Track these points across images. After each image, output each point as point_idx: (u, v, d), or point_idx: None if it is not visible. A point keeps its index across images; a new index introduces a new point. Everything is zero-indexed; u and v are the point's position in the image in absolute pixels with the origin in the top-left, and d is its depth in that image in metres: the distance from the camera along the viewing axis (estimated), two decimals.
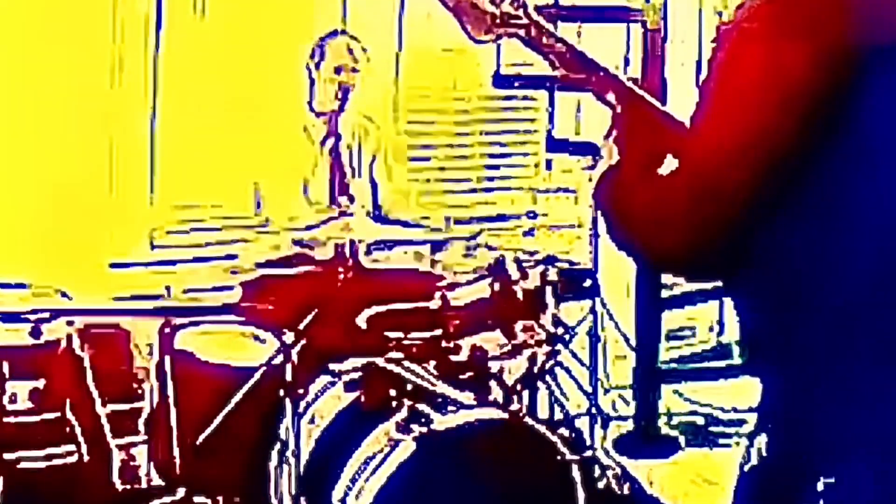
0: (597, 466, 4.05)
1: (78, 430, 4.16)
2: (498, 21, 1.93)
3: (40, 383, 4.14)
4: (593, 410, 5.84)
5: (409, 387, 4.06)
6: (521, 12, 1.93)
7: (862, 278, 1.75)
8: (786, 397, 1.83)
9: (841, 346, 1.77)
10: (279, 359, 4.11)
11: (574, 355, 5.79)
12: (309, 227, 4.55)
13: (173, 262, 5.74)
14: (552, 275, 4.47)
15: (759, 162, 1.74)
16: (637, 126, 1.90)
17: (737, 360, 6.42)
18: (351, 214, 5.09)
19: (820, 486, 1.77)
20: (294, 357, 4.06)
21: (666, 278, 6.18)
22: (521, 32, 1.94)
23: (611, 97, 1.92)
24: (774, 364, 1.84)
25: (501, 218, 6.80)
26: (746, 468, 1.88)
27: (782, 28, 1.72)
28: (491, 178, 6.99)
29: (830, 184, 1.75)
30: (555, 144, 6.15)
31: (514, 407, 4.03)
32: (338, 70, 5.13)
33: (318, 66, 5.13)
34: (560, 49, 1.92)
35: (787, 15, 1.72)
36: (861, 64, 1.71)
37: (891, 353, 1.75)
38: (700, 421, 6.23)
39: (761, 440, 1.86)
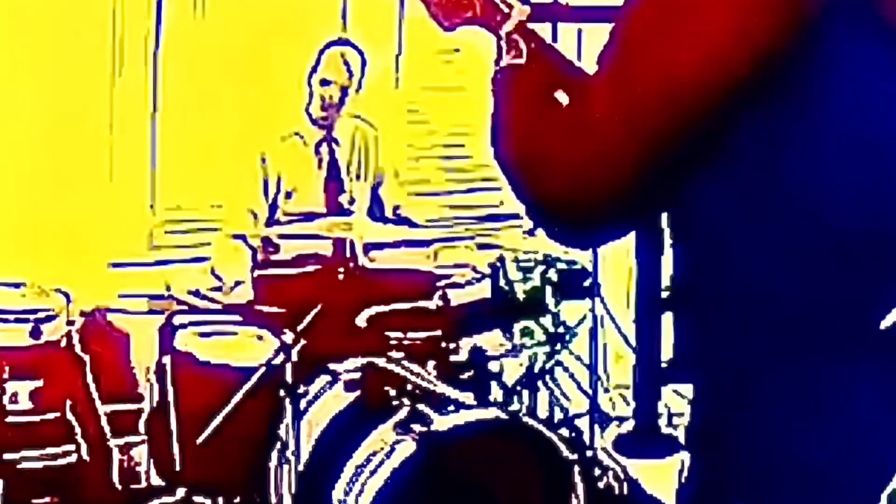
0: (597, 466, 4.05)
1: (78, 430, 4.16)
2: (462, 7, 1.93)
3: (40, 383, 4.14)
4: (593, 410, 5.84)
5: (409, 387, 4.06)
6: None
7: (792, 273, 1.67)
8: (708, 412, 1.77)
9: (766, 359, 1.70)
10: (279, 359, 4.11)
11: (574, 355, 5.79)
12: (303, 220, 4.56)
13: (173, 262, 5.74)
14: (552, 275, 4.47)
15: (681, 102, 1.66)
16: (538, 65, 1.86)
17: None
18: (351, 213, 5.10)
19: None
20: (294, 357, 4.07)
21: (666, 279, 6.18)
22: (485, 20, 1.93)
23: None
24: (697, 373, 1.78)
25: (501, 218, 6.80)
26: (676, 487, 1.83)
27: None
28: (491, 178, 6.99)
29: (765, 149, 1.66)
30: None
31: (514, 407, 4.03)
32: (324, 83, 5.11)
33: (311, 74, 5.13)
34: (516, 37, 1.90)
35: None
36: (819, 24, 1.64)
37: (820, 366, 1.68)
38: None
39: (686, 457, 1.81)
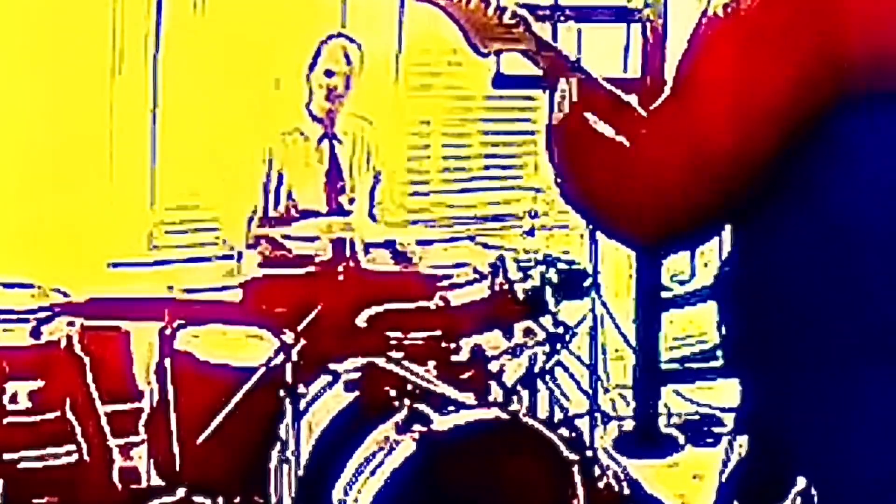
0: (597, 466, 4.05)
1: (78, 430, 4.16)
2: (500, 34, 1.94)
3: (40, 383, 4.14)
4: (593, 410, 5.85)
5: (409, 387, 4.06)
6: (521, 26, 1.93)
7: (838, 283, 1.74)
8: (762, 399, 1.83)
9: (815, 350, 1.77)
10: (279, 359, 4.11)
11: (574, 355, 5.79)
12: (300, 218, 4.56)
13: (173, 262, 5.74)
14: (552, 275, 4.47)
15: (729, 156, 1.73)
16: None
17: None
18: (350, 213, 5.10)
19: (796, 488, 1.78)
20: (294, 357, 4.07)
21: (666, 278, 6.19)
22: (522, 46, 1.95)
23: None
24: (751, 366, 1.84)
25: (501, 218, 6.81)
26: (727, 470, 1.88)
27: (763, 31, 1.71)
28: (491, 178, 6.99)
29: (808, 186, 1.74)
30: (503, 81, 5.97)
31: (514, 407, 4.03)
32: (328, 73, 5.12)
33: (311, 68, 5.13)
34: (557, 61, 1.92)
35: (770, 20, 1.71)
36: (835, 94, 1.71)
37: (865, 357, 1.75)
38: (700, 421, 6.23)
39: (741, 441, 1.87)
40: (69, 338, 4.18)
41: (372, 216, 5.26)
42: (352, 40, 5.23)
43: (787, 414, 1.80)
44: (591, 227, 1.92)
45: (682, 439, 6.03)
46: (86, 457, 4.16)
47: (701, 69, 1.76)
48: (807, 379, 1.78)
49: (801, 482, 1.78)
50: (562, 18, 5.76)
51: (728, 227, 1.86)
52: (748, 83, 1.71)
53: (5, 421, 4.09)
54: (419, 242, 4.85)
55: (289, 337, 4.11)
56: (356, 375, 4.22)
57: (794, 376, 1.79)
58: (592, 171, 1.81)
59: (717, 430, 6.09)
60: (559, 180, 1.88)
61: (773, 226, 1.78)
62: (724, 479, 1.90)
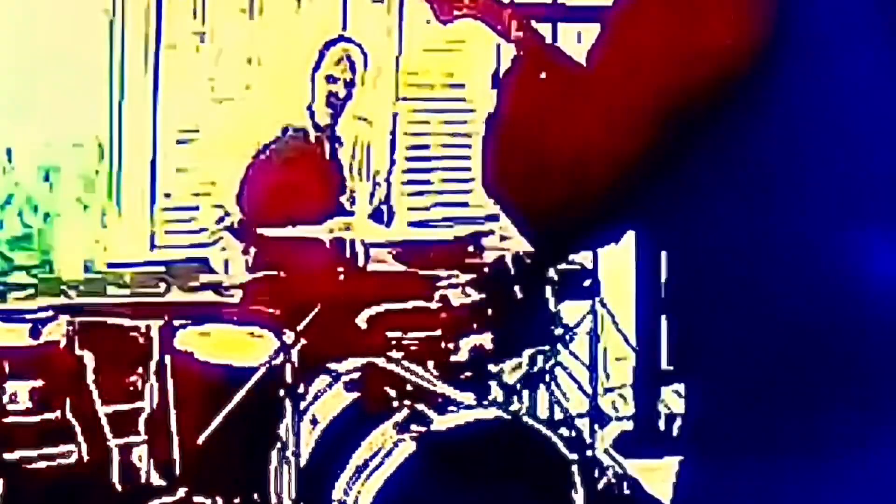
0: (597, 466, 4.05)
1: (78, 430, 4.16)
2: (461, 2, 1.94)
3: (40, 383, 4.14)
4: (593, 410, 5.85)
5: (409, 387, 4.06)
6: None
7: (780, 277, 1.69)
8: (700, 406, 1.79)
9: (755, 354, 1.72)
10: (279, 359, 4.12)
11: (574, 355, 5.79)
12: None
13: (173, 262, 5.74)
14: (552, 275, 4.48)
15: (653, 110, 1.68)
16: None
17: None
18: (352, 214, 5.10)
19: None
20: (294, 357, 4.07)
21: (666, 278, 6.18)
22: (480, 12, 1.94)
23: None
24: (687, 371, 1.80)
25: (501, 218, 6.80)
26: (673, 485, 1.86)
27: None
28: None
29: (744, 161, 1.69)
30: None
31: (514, 407, 4.03)
32: (330, 79, 5.12)
33: (314, 71, 5.13)
34: (518, 32, 1.91)
35: None
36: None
37: (808, 361, 1.70)
38: None
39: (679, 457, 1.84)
40: (69, 338, 4.18)
41: (391, 212, 5.26)
42: (357, 44, 5.22)
43: (721, 421, 1.76)
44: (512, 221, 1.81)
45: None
46: (86, 457, 4.16)
47: (627, 16, 1.73)
48: (748, 381, 1.73)
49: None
50: (562, 18, 5.76)
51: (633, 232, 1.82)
52: (672, 27, 1.67)
53: (5, 421, 4.10)
54: (419, 242, 4.85)
55: (289, 337, 4.12)
56: (356, 375, 4.22)
57: (734, 380, 1.74)
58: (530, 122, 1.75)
59: None
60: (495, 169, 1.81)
61: (701, 223, 1.74)
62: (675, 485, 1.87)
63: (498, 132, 1.78)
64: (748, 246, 1.69)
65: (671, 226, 1.78)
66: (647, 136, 1.67)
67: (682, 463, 1.78)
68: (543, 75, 1.78)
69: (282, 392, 4.04)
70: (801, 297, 1.68)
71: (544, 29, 5.91)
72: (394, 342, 4.33)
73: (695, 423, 1.80)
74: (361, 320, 4.37)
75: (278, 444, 4.12)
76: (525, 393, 4.81)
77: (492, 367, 4.45)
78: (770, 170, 1.67)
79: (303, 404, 4.10)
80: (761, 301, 1.70)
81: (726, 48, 1.64)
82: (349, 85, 5.15)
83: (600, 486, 4.07)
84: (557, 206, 1.73)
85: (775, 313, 1.69)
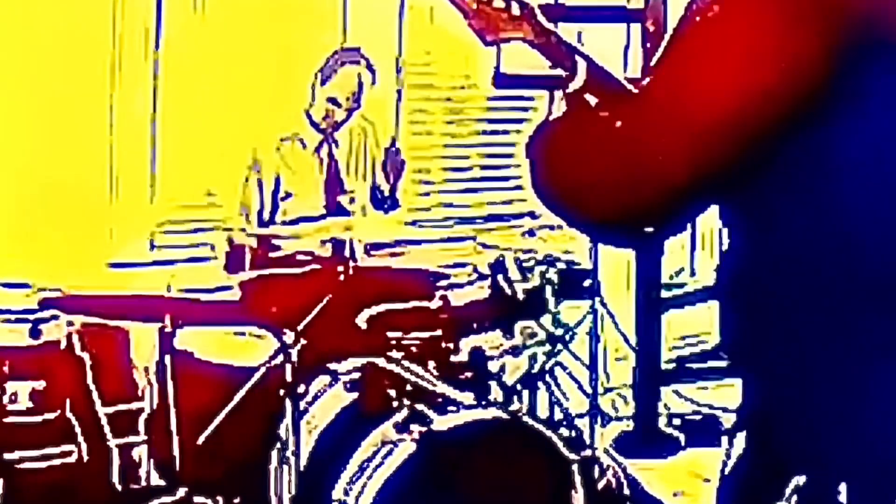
0: (597, 466, 4.05)
1: (78, 430, 4.16)
2: (505, 24, 1.94)
3: (40, 383, 4.14)
4: (593, 410, 5.85)
5: (409, 387, 4.06)
6: (527, 15, 1.93)
7: (837, 281, 1.73)
8: (762, 397, 1.83)
9: (814, 350, 1.76)
10: (279, 359, 4.11)
11: (574, 355, 5.79)
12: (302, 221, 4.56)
13: (173, 262, 5.74)
14: (552, 275, 4.48)
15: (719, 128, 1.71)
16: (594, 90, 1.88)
17: None
18: (351, 214, 5.10)
19: (792, 485, 1.78)
20: (294, 357, 4.07)
21: (665, 277, 6.19)
22: (527, 36, 1.94)
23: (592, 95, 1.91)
24: (752, 364, 1.84)
25: (501, 218, 6.80)
26: (727, 468, 1.89)
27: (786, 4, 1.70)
28: (490, 179, 6.99)
29: (805, 173, 1.73)
30: (503, 80, 5.93)
31: (514, 407, 4.03)
32: (331, 100, 5.11)
33: (322, 83, 5.11)
34: (562, 50, 1.92)
35: None
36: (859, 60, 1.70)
37: (865, 357, 1.74)
38: (700, 421, 6.23)
39: (740, 440, 1.88)
40: (69, 338, 4.18)
41: (394, 201, 5.26)
42: (369, 65, 5.19)
43: (788, 411, 1.80)
44: (581, 228, 1.85)
45: (682, 439, 6.03)
46: (86, 457, 4.16)
47: (689, 44, 1.76)
48: (808, 376, 1.77)
49: (800, 480, 1.78)
50: (562, 18, 5.76)
51: (724, 224, 1.86)
52: (737, 60, 1.70)
53: (5, 421, 4.09)
54: (419, 242, 4.85)
55: (289, 337, 4.11)
56: (356, 375, 4.22)
57: (794, 373, 1.79)
58: (587, 163, 1.79)
59: (717, 429, 6.08)
60: (545, 182, 1.84)
61: (771, 218, 1.77)
62: (724, 477, 1.90)
63: (554, 147, 1.80)
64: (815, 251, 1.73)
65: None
66: (704, 158, 1.71)
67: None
68: (593, 101, 1.80)
69: (282, 392, 4.04)
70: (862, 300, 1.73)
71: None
72: (394, 342, 4.33)
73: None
74: (361, 320, 4.36)
75: (278, 444, 4.12)
76: (525, 393, 4.81)
77: (492, 367, 4.45)
78: (837, 176, 1.71)
79: (303, 404, 4.10)
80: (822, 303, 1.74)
81: (778, 89, 1.68)
82: (351, 110, 5.15)
83: (600, 486, 4.06)
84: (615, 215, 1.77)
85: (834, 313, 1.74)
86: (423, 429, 3.79)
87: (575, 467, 3.86)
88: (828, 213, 1.73)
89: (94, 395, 4.20)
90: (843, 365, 1.76)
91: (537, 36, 1.93)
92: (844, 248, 1.74)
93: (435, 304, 4.38)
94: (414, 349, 4.33)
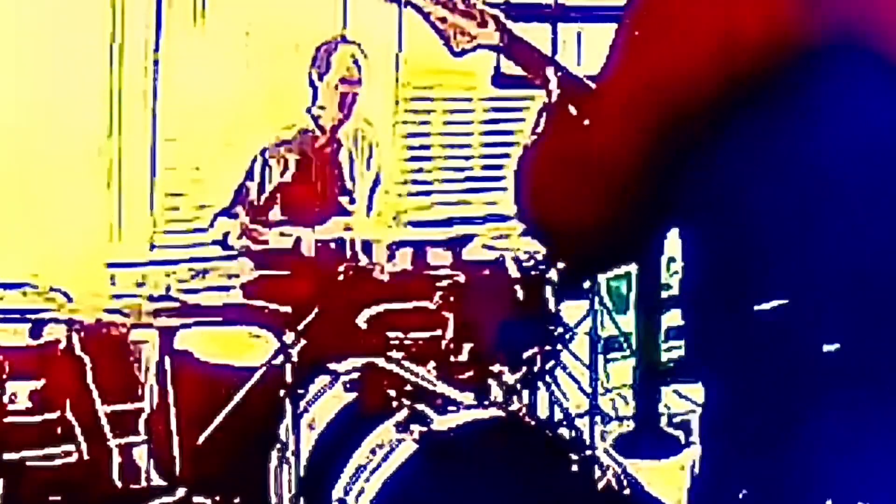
0: (597, 466, 4.05)
1: (78, 430, 4.16)
2: (473, 32, 1.94)
3: (40, 383, 4.14)
4: (593, 410, 5.85)
5: (409, 387, 4.06)
6: (494, 23, 1.93)
7: (792, 283, 1.71)
8: (717, 405, 1.81)
9: (768, 355, 1.73)
10: (279, 359, 4.11)
11: (574, 355, 5.79)
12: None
13: (173, 263, 5.74)
14: (552, 275, 4.48)
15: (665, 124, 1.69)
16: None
17: None
18: (351, 214, 5.10)
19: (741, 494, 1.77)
20: (294, 357, 4.07)
21: (666, 277, 6.19)
22: (494, 43, 1.95)
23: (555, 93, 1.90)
24: (709, 370, 1.82)
25: (501, 218, 6.80)
26: (695, 469, 1.87)
27: None
28: (491, 178, 6.99)
29: (753, 174, 1.71)
30: (503, 80, 5.91)
31: (514, 407, 4.03)
32: (343, 81, 5.10)
33: (322, 76, 5.11)
34: (531, 55, 1.92)
35: None
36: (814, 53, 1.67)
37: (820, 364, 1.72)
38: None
39: (697, 448, 1.86)
40: (69, 338, 4.18)
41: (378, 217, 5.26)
42: (357, 45, 5.21)
43: (740, 420, 1.77)
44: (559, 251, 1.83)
45: (682, 439, 6.03)
46: (86, 457, 4.16)
47: (637, 31, 1.75)
48: (761, 385, 1.74)
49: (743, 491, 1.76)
50: (562, 18, 5.76)
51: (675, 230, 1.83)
52: (682, 43, 1.69)
53: (5, 421, 4.10)
54: (419, 242, 4.85)
55: (289, 337, 4.12)
56: (356, 375, 4.22)
57: (747, 382, 1.76)
58: (562, 183, 1.78)
59: None
60: (529, 202, 1.83)
61: (717, 222, 1.75)
62: (693, 478, 1.89)
63: (537, 165, 1.80)
64: (782, 242, 1.71)
65: (704, 222, 1.79)
66: (668, 140, 1.69)
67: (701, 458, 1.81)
68: (574, 110, 1.79)
69: (282, 392, 4.04)
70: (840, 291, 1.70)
71: (544, 29, 5.92)
72: (394, 342, 4.33)
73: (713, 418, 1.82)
74: (361, 320, 4.37)
75: (278, 444, 4.12)
76: (525, 393, 4.81)
77: (492, 367, 4.45)
78: (804, 167, 1.68)
79: (303, 404, 4.10)
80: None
81: (756, 45, 1.65)
82: (358, 83, 5.15)
83: (600, 486, 4.06)
84: (596, 226, 1.75)
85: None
86: (424, 429, 3.79)
87: (575, 467, 3.86)
88: (785, 213, 1.70)
89: (94, 395, 4.20)
90: (792, 393, 1.73)
91: (506, 43, 1.93)
92: (797, 255, 1.71)
93: (435, 304, 4.39)
94: (414, 349, 4.33)
